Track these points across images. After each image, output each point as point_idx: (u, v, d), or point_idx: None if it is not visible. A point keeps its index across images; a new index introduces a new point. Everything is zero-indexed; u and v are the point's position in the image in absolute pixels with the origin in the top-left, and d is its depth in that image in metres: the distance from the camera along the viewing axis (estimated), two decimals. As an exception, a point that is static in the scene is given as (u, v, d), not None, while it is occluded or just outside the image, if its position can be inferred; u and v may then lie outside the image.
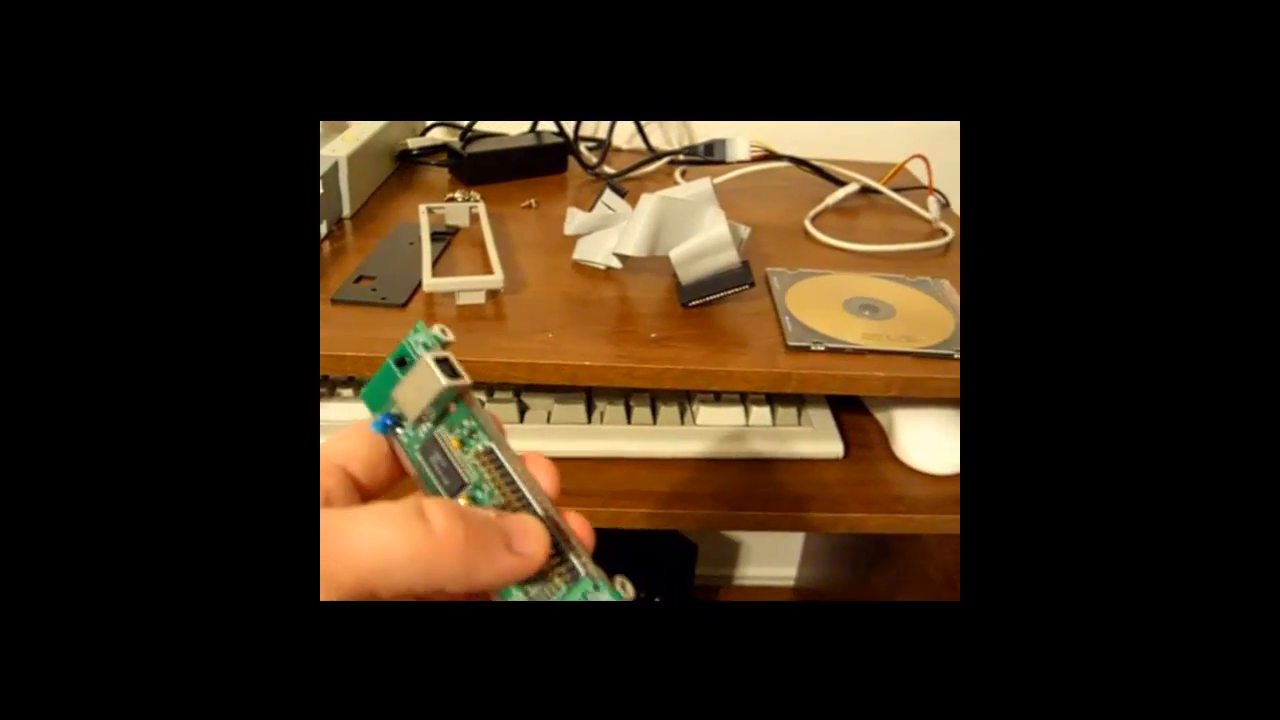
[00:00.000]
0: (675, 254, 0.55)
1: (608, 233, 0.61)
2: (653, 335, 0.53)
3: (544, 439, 0.57)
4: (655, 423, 0.58)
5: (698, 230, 0.55)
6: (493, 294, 0.57)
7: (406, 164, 0.83)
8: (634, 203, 0.62)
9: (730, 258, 0.55)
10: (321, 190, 0.63)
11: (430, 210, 0.66)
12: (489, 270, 0.57)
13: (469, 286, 0.55)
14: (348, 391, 0.58)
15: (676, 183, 0.82)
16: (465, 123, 0.88)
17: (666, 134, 0.95)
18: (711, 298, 0.55)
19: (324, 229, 0.65)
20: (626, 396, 0.60)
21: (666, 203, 0.54)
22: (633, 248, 0.54)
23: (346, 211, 0.69)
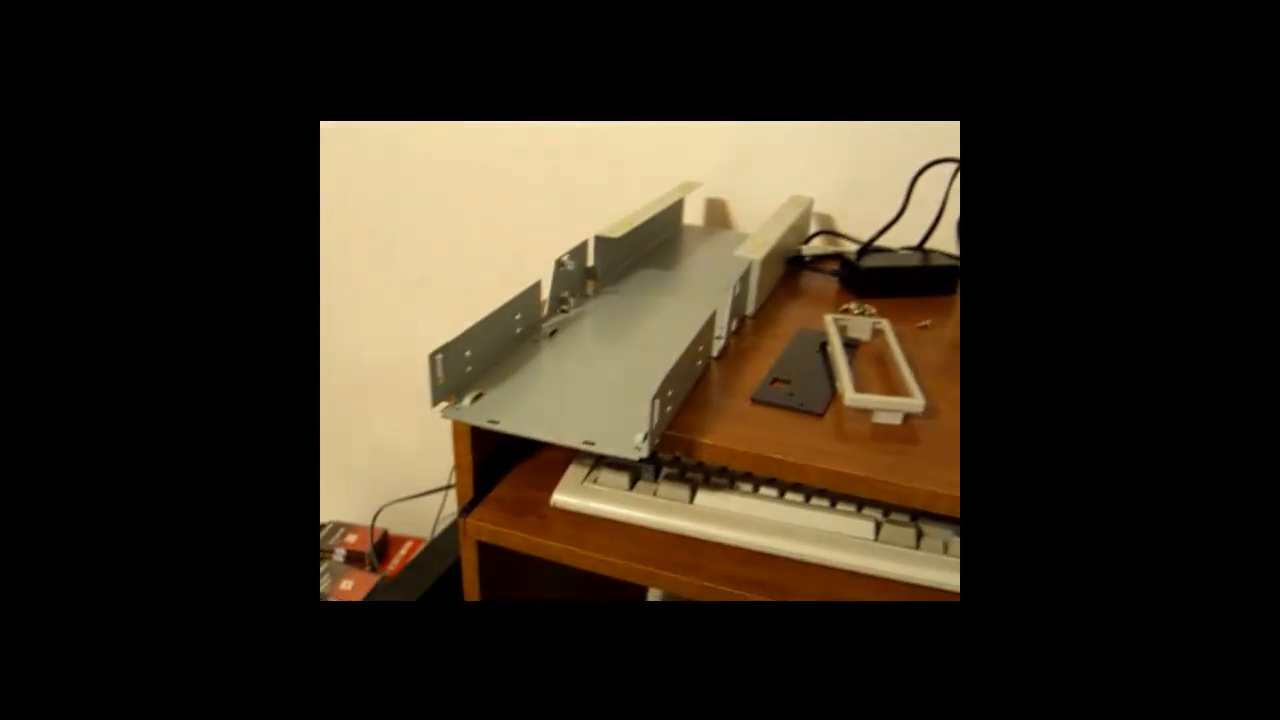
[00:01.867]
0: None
1: (1025, 369, 0.60)
2: (1084, 487, 0.51)
3: (937, 569, 0.55)
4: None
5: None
6: (909, 416, 0.57)
7: (794, 269, 0.87)
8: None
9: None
10: (736, 290, 0.68)
11: (835, 320, 0.68)
12: (900, 391, 0.58)
13: (889, 407, 0.56)
14: (747, 486, 0.61)
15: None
16: (849, 235, 0.91)
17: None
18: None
19: (734, 325, 0.69)
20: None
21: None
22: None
23: (750, 310, 0.73)
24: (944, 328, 0.74)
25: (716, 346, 0.66)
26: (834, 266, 0.86)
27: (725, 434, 0.54)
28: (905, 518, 0.58)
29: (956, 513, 0.50)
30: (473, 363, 0.57)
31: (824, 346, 0.67)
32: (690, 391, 0.59)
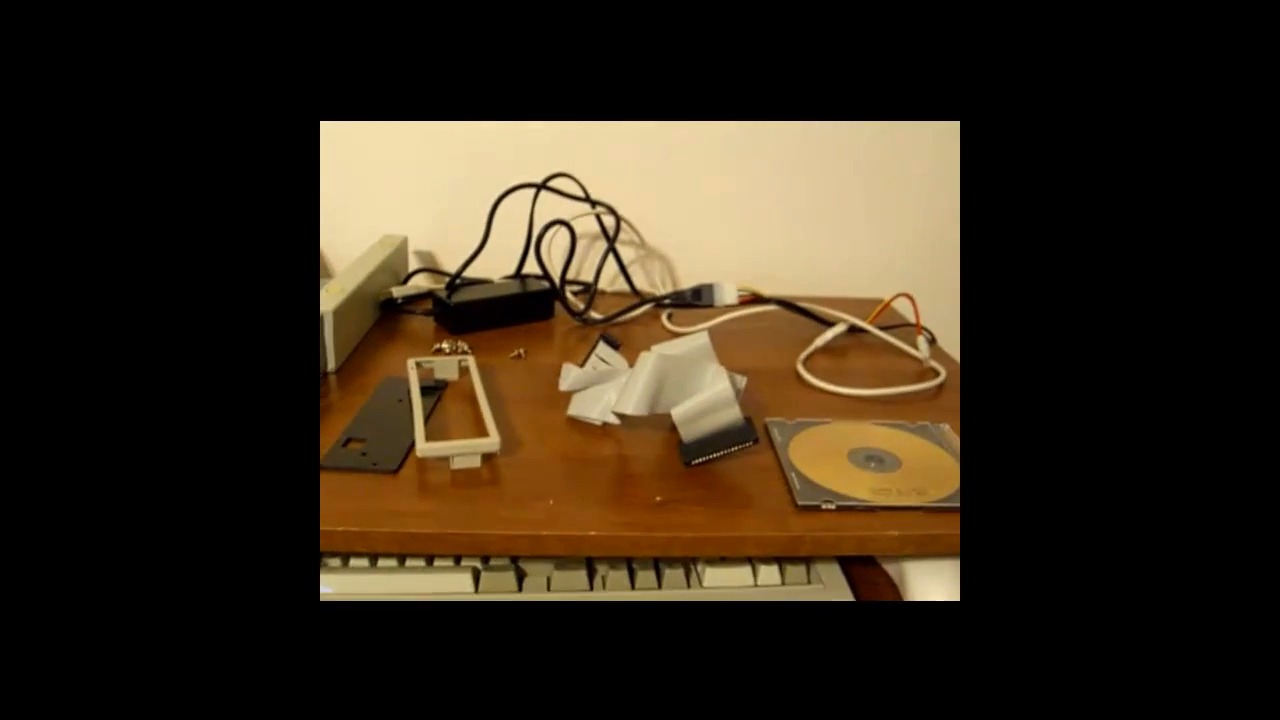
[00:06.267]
0: (677, 413, 0.53)
1: (603, 388, 0.60)
2: (657, 499, 0.51)
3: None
4: (660, 586, 0.56)
5: (698, 387, 0.54)
6: (488, 457, 0.54)
7: (390, 313, 0.82)
8: (626, 352, 0.61)
9: (733, 415, 0.53)
10: (307, 348, 0.62)
11: (419, 364, 0.65)
12: (483, 431, 0.55)
13: (464, 450, 0.53)
14: (334, 561, 0.55)
15: (662, 324, 0.81)
16: (451, 271, 0.88)
17: (650, 277, 0.95)
18: (715, 456, 0.54)
19: (309, 387, 0.63)
20: (630, 558, 0.57)
21: (666, 361, 0.53)
22: (633, 407, 0.53)
23: (331, 366, 0.68)
24: (540, 354, 0.73)
25: (285, 414, 0.59)
26: (429, 305, 0.82)
27: (284, 514, 0.48)
28: (505, 561, 0.56)
29: (536, 551, 0.48)
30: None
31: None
32: (249, 471, 0.53)
